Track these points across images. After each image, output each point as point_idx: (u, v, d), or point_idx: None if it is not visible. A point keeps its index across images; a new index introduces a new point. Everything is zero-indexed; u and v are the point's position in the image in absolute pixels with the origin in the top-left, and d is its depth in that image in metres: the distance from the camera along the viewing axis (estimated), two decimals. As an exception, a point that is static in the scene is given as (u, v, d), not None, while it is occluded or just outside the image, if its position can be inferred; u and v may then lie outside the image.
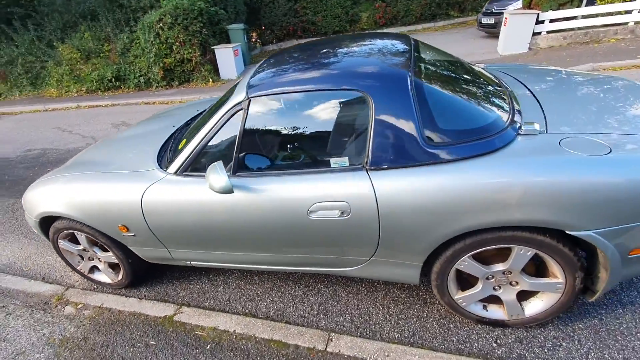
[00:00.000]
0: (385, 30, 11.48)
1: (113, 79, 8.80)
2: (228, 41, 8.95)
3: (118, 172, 2.02)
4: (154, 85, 8.59)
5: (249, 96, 1.66)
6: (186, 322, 2.08)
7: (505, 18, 6.77)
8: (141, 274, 2.39)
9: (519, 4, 7.57)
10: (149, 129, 2.66)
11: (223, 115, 1.72)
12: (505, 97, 1.73)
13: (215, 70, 8.52)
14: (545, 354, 1.64)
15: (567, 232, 1.38)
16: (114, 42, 9.12)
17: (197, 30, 7.99)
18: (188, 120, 2.56)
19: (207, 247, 1.93)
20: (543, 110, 1.67)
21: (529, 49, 6.92)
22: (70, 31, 9.69)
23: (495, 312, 1.76)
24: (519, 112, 1.65)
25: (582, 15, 6.54)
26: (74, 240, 2.29)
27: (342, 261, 1.79)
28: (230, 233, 1.79)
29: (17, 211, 3.63)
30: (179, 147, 1.93)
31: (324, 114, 1.65)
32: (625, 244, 1.39)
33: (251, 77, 1.78)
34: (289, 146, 1.75)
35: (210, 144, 1.76)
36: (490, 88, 1.81)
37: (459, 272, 1.70)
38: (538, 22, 6.69)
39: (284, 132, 1.75)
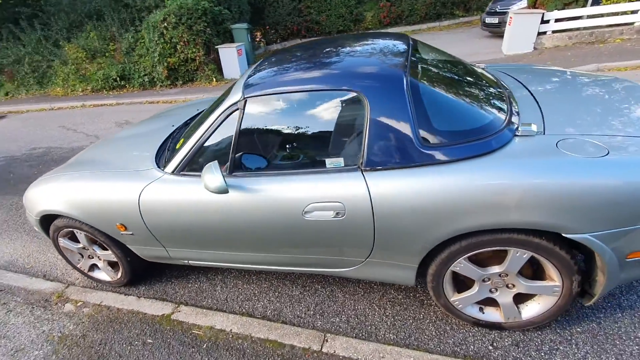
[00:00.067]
0: (389, 30, 11.44)
1: (118, 78, 8.86)
2: (232, 41, 8.97)
3: (117, 172, 2.03)
4: (158, 84, 8.64)
5: (245, 96, 1.67)
6: (183, 320, 2.09)
7: (510, 17, 6.72)
8: (140, 273, 2.40)
9: (523, 4, 7.51)
10: (149, 128, 2.68)
11: (219, 115, 1.72)
12: (503, 98, 1.72)
13: (219, 69, 8.55)
14: (541, 357, 1.63)
15: (563, 234, 1.36)
16: (119, 41, 9.19)
17: (201, 30, 8.02)
18: (187, 120, 2.57)
19: (204, 246, 1.93)
20: (542, 112, 1.65)
21: (534, 48, 6.86)
22: (76, 31, 9.77)
23: (492, 314, 1.75)
24: (517, 113, 1.63)
25: (588, 15, 6.47)
26: (74, 238, 2.31)
27: (338, 262, 1.78)
28: (226, 233, 1.79)
29: (20, 209, 3.68)
30: (177, 147, 1.94)
31: (320, 114, 1.65)
32: (623, 247, 1.37)
33: (247, 78, 1.78)
34: (285, 146, 1.75)
35: (207, 143, 1.77)
36: (488, 89, 1.79)
37: (455, 274, 1.68)
38: (543, 21, 6.63)
39: (280, 132, 1.75)
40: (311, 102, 1.64)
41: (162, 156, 2.08)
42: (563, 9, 6.57)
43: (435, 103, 1.54)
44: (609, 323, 1.74)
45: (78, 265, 2.47)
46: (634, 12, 6.28)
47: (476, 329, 1.80)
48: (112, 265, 2.38)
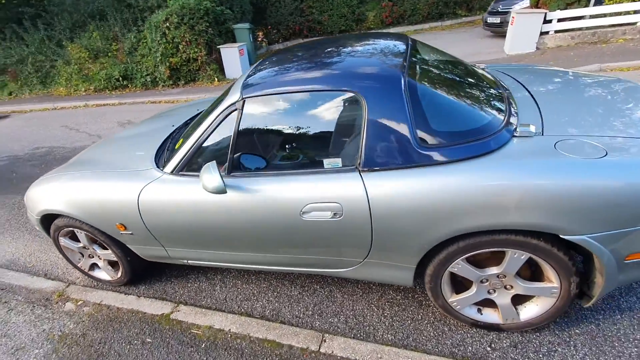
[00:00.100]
0: (391, 30, 11.43)
1: (120, 78, 8.90)
2: (234, 41, 8.99)
3: (116, 171, 2.04)
4: (161, 84, 8.67)
5: (243, 97, 1.67)
6: (183, 320, 2.10)
7: (513, 17, 6.69)
8: (140, 272, 2.41)
9: (525, 3, 7.48)
10: (149, 128, 2.69)
11: (218, 116, 1.73)
12: (502, 99, 1.71)
13: (220, 69, 8.57)
14: (539, 359, 1.62)
15: (561, 236, 1.36)
16: (122, 41, 9.23)
17: (203, 30, 8.04)
18: (187, 120, 2.58)
19: (203, 246, 1.94)
20: (540, 112, 1.64)
21: (537, 48, 6.83)
22: (79, 31, 9.82)
23: (490, 315, 1.74)
24: (516, 113, 1.63)
25: (590, 15, 6.43)
26: (74, 237, 2.32)
27: (336, 262, 1.79)
28: (224, 233, 1.80)
29: (22, 208, 3.70)
30: (176, 147, 1.95)
31: (318, 114, 1.65)
32: (621, 249, 1.37)
33: (246, 78, 1.78)
34: (283, 146, 1.76)
35: (206, 144, 1.78)
36: (487, 89, 1.79)
37: (453, 275, 1.68)
38: (545, 21, 6.60)
39: (278, 132, 1.76)
40: (309, 102, 1.64)
41: (162, 156, 2.08)
42: (565, 8, 6.54)
43: (433, 104, 1.54)
44: (608, 325, 1.73)
45: (79, 265, 2.48)
46: (636, 12, 6.24)
47: (474, 330, 1.79)
48: (113, 264, 2.39)
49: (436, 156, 1.43)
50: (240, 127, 1.69)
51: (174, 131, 2.40)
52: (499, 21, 8.04)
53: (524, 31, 6.67)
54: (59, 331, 2.15)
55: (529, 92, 1.88)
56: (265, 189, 1.64)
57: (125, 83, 8.97)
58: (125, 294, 2.38)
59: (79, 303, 2.35)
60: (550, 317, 1.63)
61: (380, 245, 1.61)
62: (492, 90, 1.79)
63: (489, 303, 1.72)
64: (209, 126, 1.75)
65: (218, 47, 8.34)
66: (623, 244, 1.36)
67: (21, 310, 2.36)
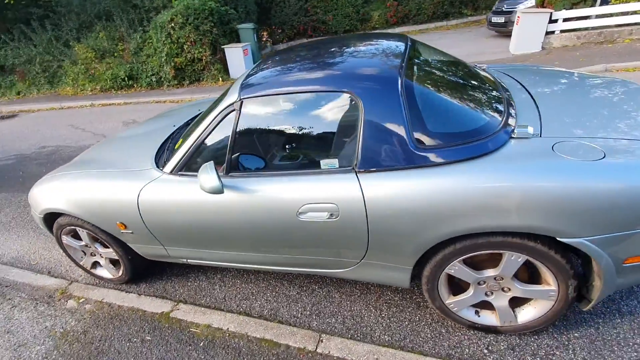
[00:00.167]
0: (396, 29, 11.40)
1: (126, 78, 8.98)
2: (238, 41, 9.02)
3: (117, 171, 2.07)
4: (165, 84, 8.73)
5: (241, 97, 1.68)
6: (182, 318, 2.12)
7: (518, 17, 6.63)
8: (141, 271, 2.44)
9: (530, 3, 7.42)
10: (151, 128, 2.71)
11: (216, 116, 1.74)
12: (500, 100, 1.70)
13: (225, 69, 8.61)
14: (537, 362, 1.61)
15: (558, 239, 1.35)
16: (128, 41, 9.30)
17: (207, 30, 8.08)
18: (188, 120, 2.60)
19: (202, 245, 1.96)
20: (539, 114, 1.63)
21: (542, 48, 6.76)
22: (85, 31, 9.92)
23: (488, 318, 1.73)
24: (514, 115, 1.61)
25: (596, 15, 6.35)
26: (76, 236, 2.35)
27: (333, 263, 1.79)
28: (222, 233, 1.81)
29: (28, 207, 3.75)
30: (175, 147, 1.97)
31: (315, 115, 1.66)
32: (620, 252, 1.35)
33: (244, 79, 1.79)
34: (280, 147, 1.76)
35: (205, 144, 1.79)
36: (485, 90, 1.78)
37: (450, 277, 1.68)
38: (551, 21, 6.53)
39: (275, 133, 1.76)
40: (306, 103, 1.64)
41: (162, 156, 2.10)
42: (571, 8, 6.47)
43: (430, 105, 1.53)
44: (608, 329, 1.71)
45: (81, 263, 2.52)
46: (644, 11, 6.16)
47: (472, 332, 1.79)
48: (114, 263, 2.42)
49: (432, 157, 1.43)
50: (238, 128, 1.70)
51: (174, 131, 2.42)
52: (503, 21, 7.97)
53: (529, 31, 6.61)
54: (60, 328, 2.19)
55: (529, 93, 1.87)
56: (263, 189, 1.65)
57: (130, 83, 9.04)
58: (126, 292, 2.41)
59: (81, 300, 2.38)
60: (549, 320, 1.62)
61: (377, 246, 1.61)
62: (490, 91, 1.78)
63: (487, 305, 1.71)
64: (207, 126, 1.76)
65: (222, 47, 8.38)
66: (622, 247, 1.34)
67: (24, 307, 2.40)
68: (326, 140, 1.67)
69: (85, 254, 2.45)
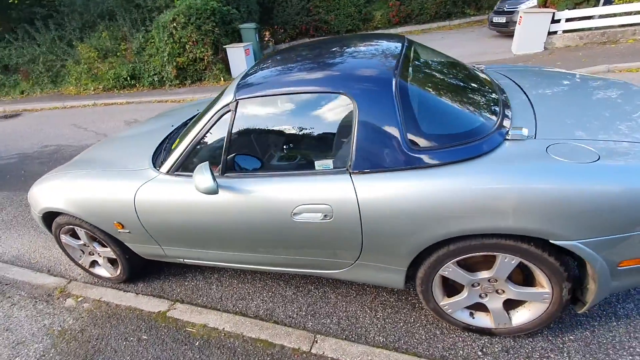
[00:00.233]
0: (399, 29, 11.38)
1: (128, 78, 9.02)
2: (240, 40, 9.04)
3: (115, 171, 2.08)
4: (167, 83, 8.77)
5: (237, 98, 1.69)
6: (178, 318, 2.13)
7: (520, 17, 6.60)
8: (138, 270, 2.45)
9: (531, 3, 7.37)
10: (150, 128, 2.72)
11: (212, 117, 1.75)
12: (496, 101, 1.70)
13: (227, 69, 8.63)
14: (531, 364, 1.61)
15: (551, 241, 1.34)
16: (130, 41, 9.35)
17: (209, 30, 8.11)
18: (186, 120, 2.61)
19: (198, 245, 1.96)
20: (535, 115, 1.63)
21: (545, 48, 6.73)
22: (89, 31, 9.99)
23: (482, 320, 1.73)
24: (510, 116, 1.61)
25: (600, 15, 6.31)
26: (75, 235, 2.37)
27: (328, 264, 1.79)
28: (218, 233, 1.82)
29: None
30: (172, 147, 1.97)
31: (310, 116, 1.66)
32: (615, 255, 1.35)
33: (240, 80, 1.80)
34: (276, 148, 1.77)
35: (201, 144, 1.80)
36: (481, 91, 1.77)
37: (444, 279, 1.67)
38: (554, 21, 6.49)
39: (271, 133, 1.77)
40: (301, 104, 1.65)
41: (160, 156, 2.11)
42: (574, 8, 6.43)
43: (425, 106, 1.53)
44: (603, 332, 1.70)
45: (79, 262, 2.53)
46: (648, 11, 6.11)
47: (466, 334, 1.78)
48: (112, 262, 2.43)
49: (426, 159, 1.43)
50: (234, 129, 1.70)
51: (172, 131, 2.43)
52: (504, 21, 7.93)
53: (531, 31, 6.57)
54: (58, 326, 2.20)
55: (525, 94, 1.86)
56: (258, 189, 1.66)
57: (133, 82, 9.09)
58: (124, 291, 2.42)
59: (79, 299, 2.40)
60: (543, 322, 1.61)
61: (371, 248, 1.61)
62: (486, 93, 1.77)
63: (481, 307, 1.71)
64: (203, 127, 1.77)
65: (224, 46, 8.40)
66: (616, 250, 1.34)
67: (24, 305, 2.42)
68: (321, 141, 1.68)
69: (83, 252, 2.47)
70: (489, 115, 1.56)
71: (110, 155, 2.39)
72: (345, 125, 1.57)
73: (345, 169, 1.54)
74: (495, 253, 1.47)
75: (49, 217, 2.33)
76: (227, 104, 1.71)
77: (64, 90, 9.83)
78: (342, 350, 1.77)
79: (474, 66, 2.30)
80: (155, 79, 8.86)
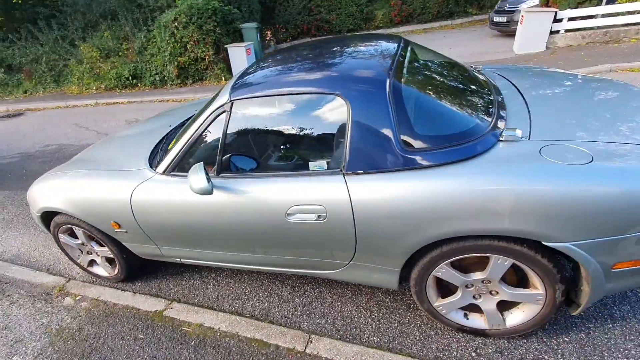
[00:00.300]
0: (401, 29, 11.35)
1: (130, 77, 9.06)
2: (241, 40, 9.04)
3: (112, 171, 2.09)
4: (169, 83, 8.80)
5: (232, 99, 1.69)
6: (175, 317, 2.14)
7: (522, 16, 6.56)
8: (136, 269, 2.46)
9: (533, 2, 7.32)
10: (148, 127, 2.74)
11: (207, 117, 1.75)
12: (491, 102, 1.69)
13: (228, 68, 8.63)
14: (525, 366, 1.61)
15: (543, 243, 1.34)
16: (132, 41, 9.38)
17: (210, 29, 8.11)
18: (184, 120, 2.62)
19: (193, 245, 1.97)
20: (530, 116, 1.62)
21: (546, 48, 6.69)
22: (91, 30, 10.03)
23: (476, 321, 1.73)
24: (504, 117, 1.60)
25: (602, 14, 6.26)
26: (73, 234, 2.39)
27: (323, 264, 1.80)
28: (213, 233, 1.83)
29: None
30: (169, 147, 1.98)
31: (305, 117, 1.66)
32: (608, 257, 1.34)
33: (235, 80, 1.80)
34: (270, 148, 1.77)
35: (197, 145, 1.80)
36: (477, 92, 1.77)
37: (438, 280, 1.67)
38: (556, 20, 6.45)
39: (265, 134, 1.77)
40: (296, 105, 1.65)
41: (156, 156, 2.12)
42: (577, 7, 6.38)
43: (419, 107, 1.53)
44: (599, 334, 1.70)
45: (78, 261, 2.55)
46: (652, 10, 6.06)
47: (460, 335, 1.78)
48: (110, 261, 2.45)
49: (419, 160, 1.43)
50: (229, 129, 1.71)
51: (169, 131, 2.44)
52: (505, 20, 7.88)
53: (533, 30, 6.54)
54: (56, 325, 2.22)
55: (521, 95, 1.85)
56: (253, 190, 1.66)
57: (134, 82, 9.12)
58: (122, 290, 2.44)
59: (77, 298, 2.42)
60: (537, 324, 1.61)
61: (364, 248, 1.61)
62: (481, 94, 1.77)
63: (476, 308, 1.71)
64: (198, 127, 1.78)
65: (225, 46, 8.40)
66: (610, 252, 1.33)
67: (22, 303, 2.44)
68: (315, 142, 1.68)
69: (82, 252, 2.48)
70: (483, 116, 1.56)
71: (108, 155, 2.40)
72: (339, 126, 1.57)
73: (339, 169, 1.54)
74: (488, 254, 1.47)
75: (48, 217, 2.34)
76: (222, 105, 1.71)
77: (66, 89, 9.88)
78: (337, 350, 1.78)
79: (472, 66, 2.29)
80: (157, 78, 8.89)
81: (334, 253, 1.70)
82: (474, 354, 1.68)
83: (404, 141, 1.44)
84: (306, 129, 1.68)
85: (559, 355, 1.62)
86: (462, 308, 1.73)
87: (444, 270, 1.58)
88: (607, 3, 6.33)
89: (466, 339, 1.76)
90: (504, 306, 1.67)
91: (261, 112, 1.71)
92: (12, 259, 2.95)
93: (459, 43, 8.45)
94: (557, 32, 6.63)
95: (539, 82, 2.12)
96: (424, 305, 1.74)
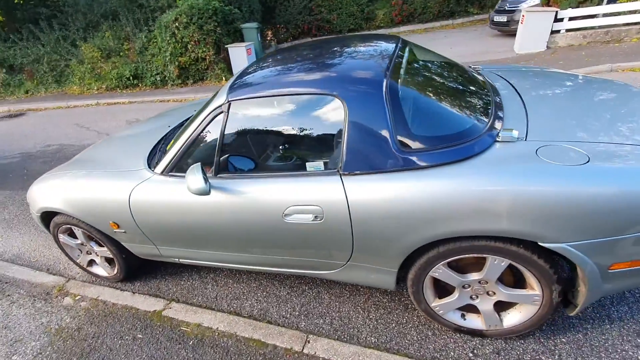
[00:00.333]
0: (401, 28, 11.34)
1: (131, 77, 9.09)
2: (242, 40, 9.05)
3: (111, 171, 2.10)
4: (170, 83, 8.82)
5: (229, 99, 1.69)
6: (173, 317, 2.15)
7: (523, 16, 6.55)
8: (135, 269, 2.47)
9: (533, 1, 7.30)
10: (147, 128, 2.74)
11: (205, 118, 1.76)
12: (488, 102, 1.69)
13: (228, 68, 8.65)
14: (522, 366, 1.60)
15: (540, 243, 1.34)
16: (133, 41, 9.41)
17: (211, 30, 8.13)
18: (183, 120, 2.62)
19: (192, 245, 1.98)
20: (527, 117, 1.62)
21: (547, 47, 6.67)
22: (92, 31, 10.06)
23: (474, 321, 1.73)
24: (501, 118, 1.60)
25: (604, 14, 6.24)
26: (72, 234, 2.40)
27: (320, 264, 1.80)
28: (211, 233, 1.83)
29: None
30: (167, 148, 1.99)
31: (302, 118, 1.66)
32: (605, 258, 1.34)
33: (233, 81, 1.81)
34: (268, 149, 1.78)
35: (195, 145, 1.81)
36: (474, 92, 1.77)
37: (435, 280, 1.67)
38: (557, 20, 6.43)
39: (263, 135, 1.78)
40: (293, 105, 1.65)
41: (155, 157, 2.13)
42: (578, 7, 6.37)
43: (416, 107, 1.53)
44: (596, 335, 1.69)
45: (77, 261, 2.56)
46: (653, 9, 6.03)
47: (458, 335, 1.78)
48: (109, 261, 2.46)
49: (416, 160, 1.43)
50: (226, 130, 1.71)
51: (168, 132, 2.45)
52: (505, 20, 7.86)
53: (534, 30, 6.52)
54: (56, 325, 2.23)
55: (519, 95, 1.85)
56: (250, 190, 1.67)
57: (135, 82, 9.15)
58: (121, 290, 2.45)
59: (77, 298, 2.43)
60: (534, 324, 1.61)
61: (361, 249, 1.61)
62: (479, 94, 1.77)
63: (473, 309, 1.71)
64: (196, 128, 1.78)
65: (226, 46, 8.42)
66: (607, 253, 1.33)
67: (22, 303, 2.45)
68: (312, 143, 1.68)
69: (81, 252, 2.49)
70: (480, 117, 1.56)
71: (108, 155, 2.41)
72: (336, 127, 1.57)
73: (335, 170, 1.55)
74: (485, 255, 1.47)
75: (47, 217, 2.36)
76: (220, 105, 1.72)
77: (67, 89, 9.92)
78: (334, 350, 1.78)
79: (470, 66, 2.29)
80: (158, 78, 8.91)
81: (331, 253, 1.70)
82: (471, 355, 1.68)
83: (401, 142, 1.44)
84: (303, 130, 1.69)
85: (556, 356, 1.62)
86: (460, 308, 1.73)
87: (440, 271, 1.58)
88: (608, 2, 6.31)
89: (463, 339, 1.76)
90: (501, 307, 1.67)
91: (259, 112, 1.72)
92: (13, 258, 2.97)
93: (460, 42, 8.44)
94: (558, 31, 6.61)
95: (538, 83, 2.12)
96: (421, 306, 1.74)
